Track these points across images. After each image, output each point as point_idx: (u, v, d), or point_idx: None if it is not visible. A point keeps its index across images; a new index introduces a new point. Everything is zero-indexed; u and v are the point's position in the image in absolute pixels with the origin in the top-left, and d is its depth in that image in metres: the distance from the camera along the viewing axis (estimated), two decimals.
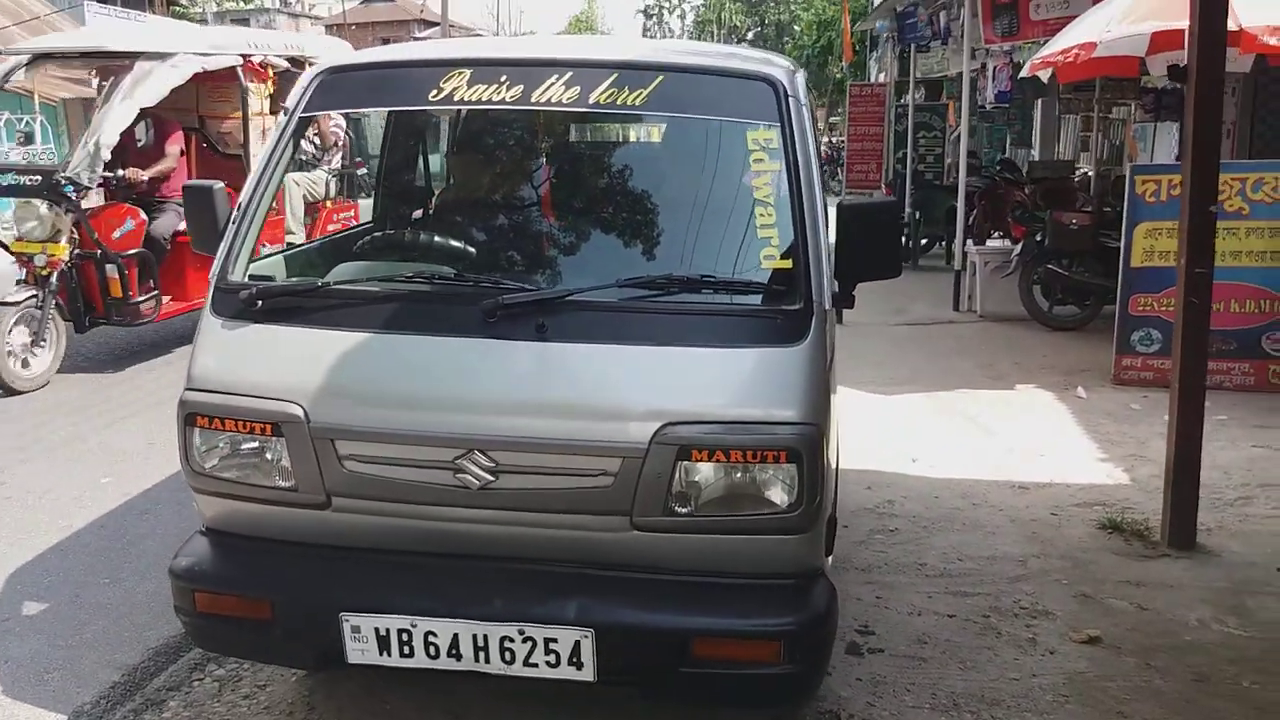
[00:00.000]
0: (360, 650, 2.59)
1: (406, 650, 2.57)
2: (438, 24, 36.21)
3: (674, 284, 2.66)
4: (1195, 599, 3.99)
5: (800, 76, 2.99)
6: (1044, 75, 6.58)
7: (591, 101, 2.82)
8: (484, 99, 2.87)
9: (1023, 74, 7.89)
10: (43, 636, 3.68)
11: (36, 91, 18.93)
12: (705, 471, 2.50)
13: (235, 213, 2.92)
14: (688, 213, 3.04)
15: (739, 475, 2.51)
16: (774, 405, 2.50)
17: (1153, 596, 4.01)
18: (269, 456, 2.67)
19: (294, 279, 3.01)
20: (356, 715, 3.20)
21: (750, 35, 62.74)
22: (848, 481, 5.26)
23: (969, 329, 9.27)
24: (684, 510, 2.50)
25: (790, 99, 2.82)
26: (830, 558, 2.73)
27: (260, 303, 2.74)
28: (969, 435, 6.15)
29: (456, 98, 2.88)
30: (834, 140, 26.14)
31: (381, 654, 2.59)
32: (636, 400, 2.51)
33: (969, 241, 9.96)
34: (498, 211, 3.36)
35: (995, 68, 9.44)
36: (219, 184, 2.99)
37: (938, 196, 12.66)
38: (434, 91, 2.90)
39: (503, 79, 2.87)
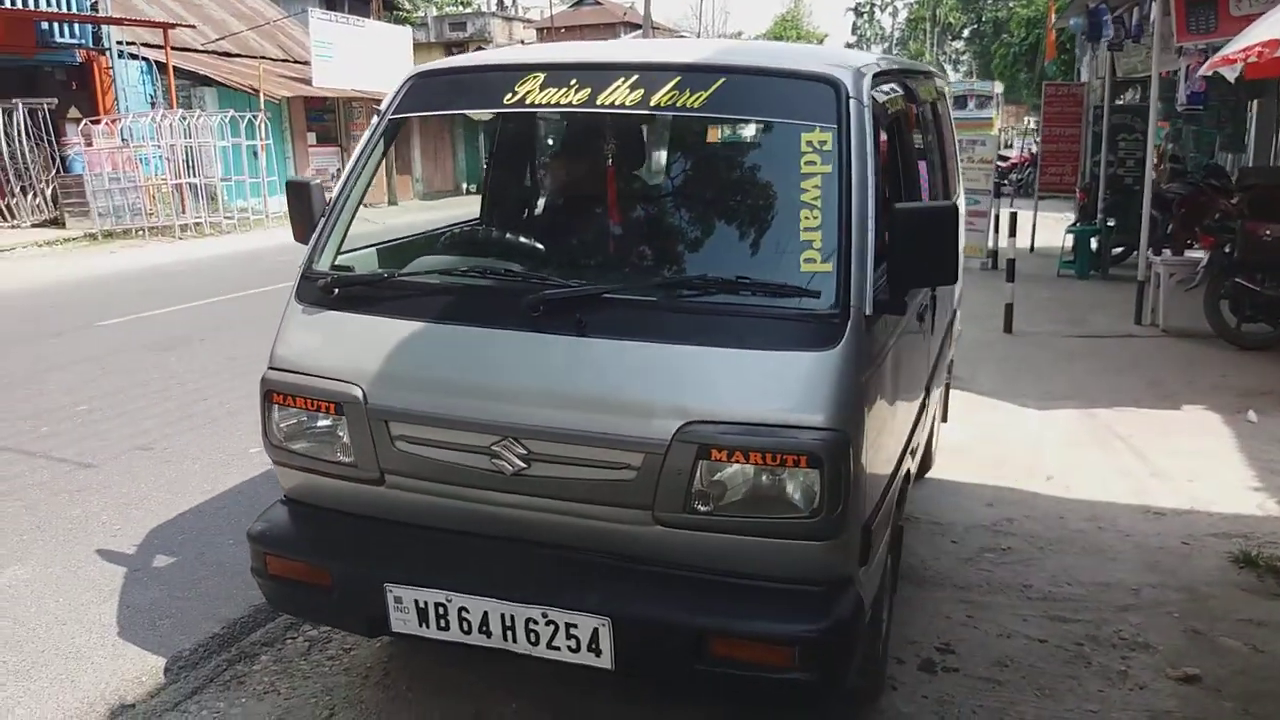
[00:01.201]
0: (402, 620, 2.74)
1: (442, 624, 2.70)
2: (641, 26, 36.83)
3: (708, 284, 2.67)
4: None
5: (867, 80, 2.89)
6: (1229, 74, 6.09)
7: (653, 104, 2.86)
8: (553, 102, 2.96)
9: (1200, 72, 7.32)
10: (164, 588, 4.06)
11: (262, 90, 20.63)
12: (725, 471, 2.50)
13: (327, 208, 3.13)
14: (741, 214, 3.04)
15: (760, 477, 2.50)
16: (798, 409, 2.47)
17: (1273, 639, 3.71)
18: (332, 433, 2.86)
19: (366, 270, 3.17)
20: (426, 684, 3.38)
21: (966, 33, 60.64)
22: (967, 496, 5.13)
23: (1147, 344, 8.70)
24: (705, 509, 2.52)
25: (851, 100, 2.77)
26: (866, 567, 2.67)
27: (336, 291, 2.94)
28: (1116, 455, 5.81)
29: (529, 101, 2.99)
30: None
31: (421, 625, 2.73)
32: (662, 397, 2.54)
33: (1152, 251, 9.32)
34: (570, 211, 3.46)
35: (1189, 67, 8.73)
36: (316, 180, 3.21)
37: (1135, 202, 11.88)
38: (509, 95, 3.02)
39: (573, 82, 2.95)
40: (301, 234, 3.23)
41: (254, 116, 19.34)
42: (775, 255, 2.79)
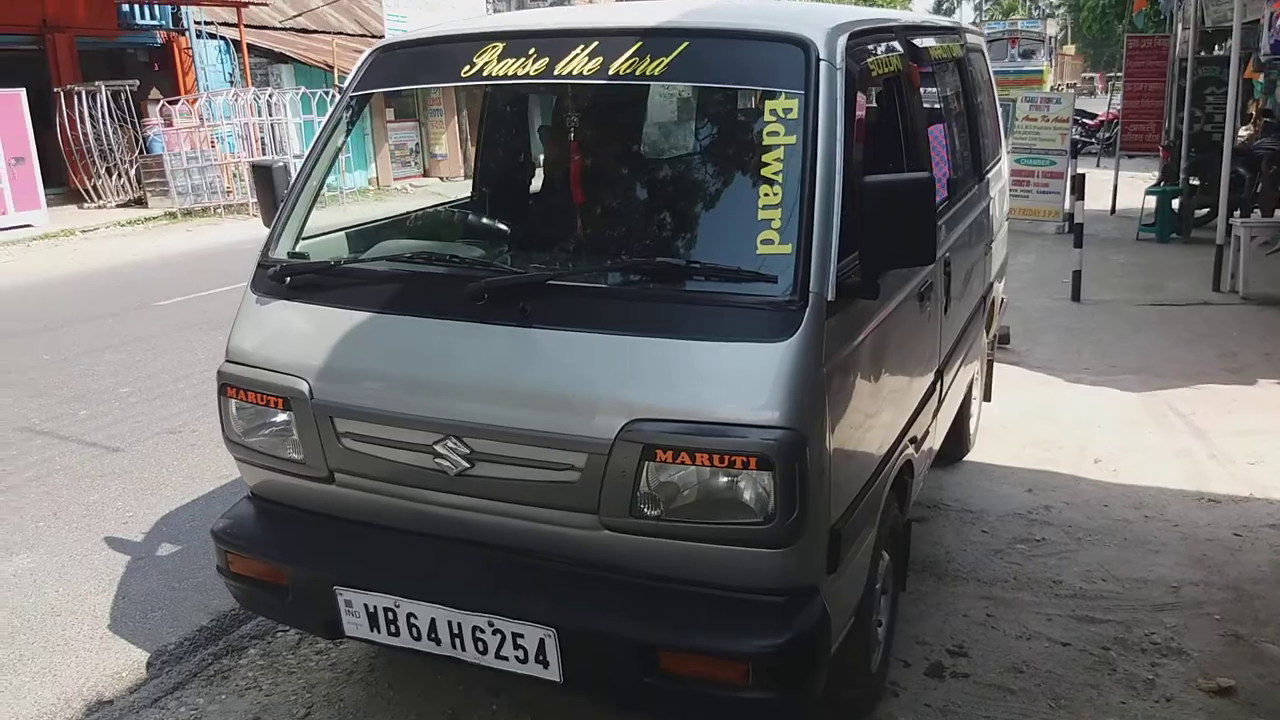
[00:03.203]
0: (354, 624, 2.64)
1: (393, 629, 2.59)
2: None
3: (657, 269, 2.48)
4: None
5: (842, 40, 2.61)
6: None
7: (611, 73, 2.66)
8: (510, 74, 2.78)
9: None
10: (162, 578, 4.04)
11: (336, 66, 20.80)
12: (673, 473, 2.32)
13: (286, 192, 3.02)
14: (705, 190, 2.82)
15: (708, 480, 2.31)
16: (750, 406, 2.27)
17: None
18: (282, 429, 2.76)
19: (314, 258, 3.04)
20: (407, 682, 3.29)
21: None
22: (1005, 482, 4.86)
23: (1224, 312, 8.19)
24: (652, 513, 2.34)
25: (821, 63, 2.51)
26: (836, 575, 2.47)
27: (288, 280, 2.82)
28: (1173, 435, 5.44)
29: (486, 73, 2.82)
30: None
31: (372, 630, 2.62)
32: (606, 393, 2.37)
33: (1236, 213, 8.75)
34: (542, 191, 3.27)
35: (1272, 14, 8.09)
36: (280, 162, 3.10)
37: (1221, 161, 11.21)
38: (467, 67, 2.85)
39: (531, 52, 2.77)
40: (268, 219, 3.12)
41: (327, 93, 19.50)
42: (737, 236, 2.56)
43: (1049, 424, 5.65)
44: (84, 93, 17.08)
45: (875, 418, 2.72)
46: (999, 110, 5.26)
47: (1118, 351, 7.19)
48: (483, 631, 2.47)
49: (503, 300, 2.49)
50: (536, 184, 3.44)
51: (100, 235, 14.98)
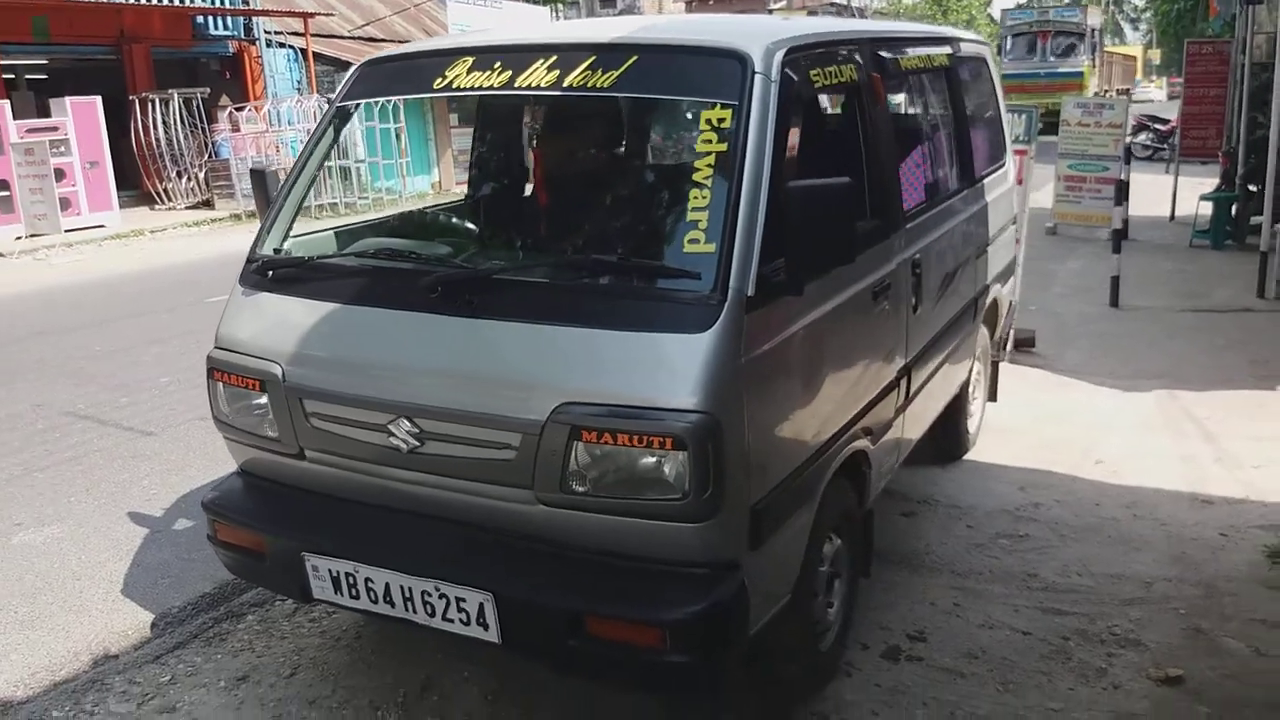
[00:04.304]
0: (320, 588, 2.85)
1: (353, 593, 2.79)
2: None
3: (592, 265, 2.65)
4: None
5: (780, 55, 2.74)
6: None
7: (565, 85, 2.84)
8: (476, 85, 2.98)
9: None
10: (175, 549, 4.30)
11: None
12: (597, 452, 2.48)
13: (275, 194, 3.25)
14: (646, 194, 2.98)
15: (630, 459, 2.47)
16: (668, 391, 2.42)
17: None
18: (260, 409, 2.98)
19: (292, 255, 3.23)
20: (390, 648, 3.49)
21: None
22: (1000, 480, 4.93)
23: (1264, 319, 8.07)
24: (580, 489, 2.51)
25: (757, 75, 2.66)
26: (758, 550, 2.60)
27: (269, 274, 3.06)
28: (1184, 439, 5.43)
29: (455, 85, 3.03)
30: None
31: (336, 593, 2.82)
32: (539, 378, 2.54)
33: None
34: (507, 195, 3.45)
35: None
36: (273, 167, 3.33)
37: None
38: (439, 79, 3.06)
39: (496, 65, 2.97)
40: (262, 218, 3.35)
41: (389, 100, 19.92)
42: (669, 237, 2.73)
43: (1059, 426, 5.67)
44: (157, 100, 17.77)
45: (808, 407, 2.84)
46: (1004, 117, 5.31)
47: (1147, 357, 7.15)
48: (430, 596, 2.66)
49: (453, 293, 2.69)
50: (514, 188, 3.64)
51: (168, 235, 15.58)
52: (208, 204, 18.38)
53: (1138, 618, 3.61)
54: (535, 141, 3.50)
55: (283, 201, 3.26)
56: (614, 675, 2.68)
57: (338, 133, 3.36)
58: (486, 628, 2.61)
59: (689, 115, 2.86)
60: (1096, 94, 20.30)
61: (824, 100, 3.20)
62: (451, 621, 2.66)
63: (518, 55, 2.96)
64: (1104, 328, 8.07)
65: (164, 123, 17.91)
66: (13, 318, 9.46)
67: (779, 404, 2.67)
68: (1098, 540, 4.26)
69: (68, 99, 15.48)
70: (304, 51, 20.73)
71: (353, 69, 3.33)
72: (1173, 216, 13.27)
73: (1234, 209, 11.43)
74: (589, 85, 2.81)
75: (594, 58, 2.83)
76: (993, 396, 5.47)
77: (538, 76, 2.88)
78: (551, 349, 2.57)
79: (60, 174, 14.67)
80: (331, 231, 3.57)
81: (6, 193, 14.32)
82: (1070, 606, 3.71)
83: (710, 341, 2.43)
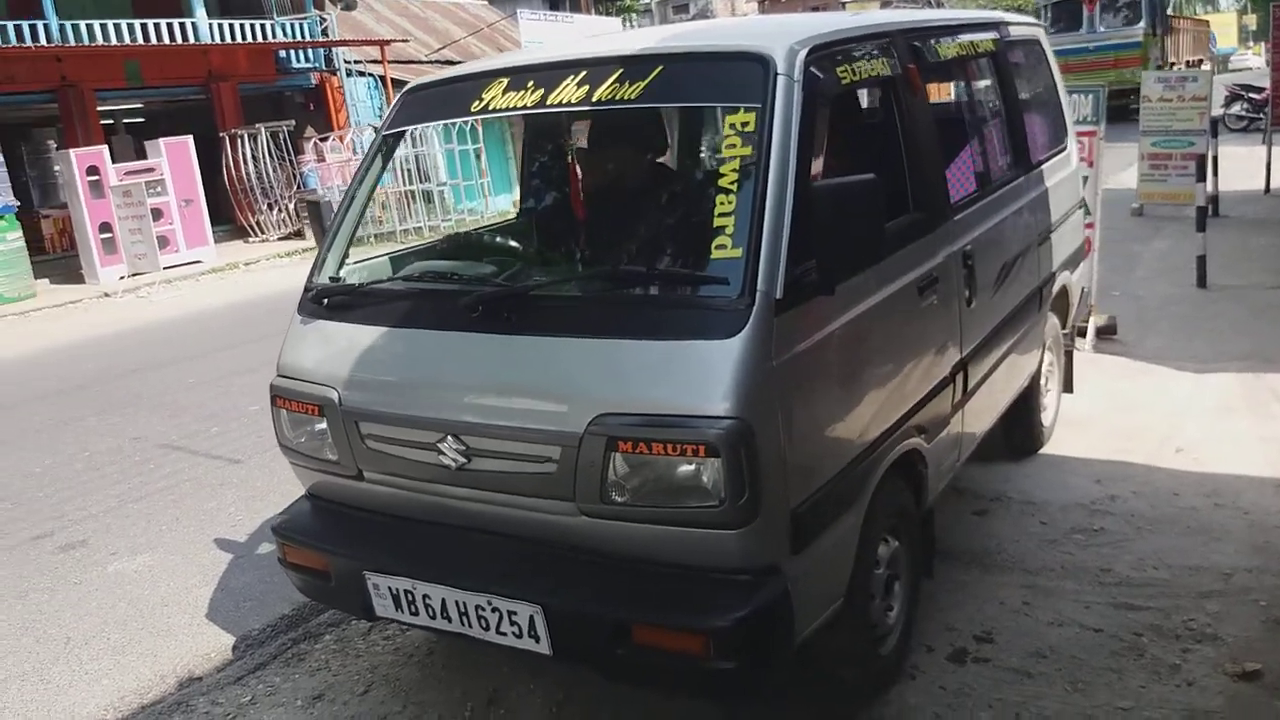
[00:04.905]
0: (383, 605, 2.94)
1: (413, 610, 2.87)
2: None
3: (622, 277, 2.69)
4: None
5: (802, 54, 2.74)
6: None
7: (595, 99, 2.89)
8: (511, 105, 3.05)
9: None
10: (259, 572, 4.47)
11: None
12: (634, 462, 2.52)
13: (329, 225, 3.37)
14: (676, 203, 3.00)
15: (666, 468, 2.50)
16: (700, 399, 2.45)
17: None
18: (320, 433, 3.10)
19: (342, 282, 3.32)
20: (460, 663, 3.58)
21: None
22: (1075, 473, 4.82)
23: None
24: (620, 499, 2.55)
25: (779, 77, 2.68)
26: (802, 555, 2.60)
27: (324, 301, 3.18)
28: (1267, 421, 5.22)
29: (491, 106, 3.10)
30: None
31: (397, 610, 2.91)
32: (576, 391, 2.60)
33: None
34: (549, 212, 3.52)
35: None
36: (325, 197, 3.46)
37: None
38: (476, 102, 3.14)
39: (529, 84, 3.04)
40: (319, 246, 3.48)
41: (467, 122, 20.30)
42: (698, 244, 2.75)
43: (1138, 414, 5.50)
44: (246, 135, 18.43)
45: (850, 407, 2.83)
46: (1065, 99, 5.20)
47: (1232, 339, 6.88)
48: (484, 610, 2.72)
49: (493, 311, 2.76)
50: (556, 205, 3.71)
51: (260, 267, 16.14)
52: (299, 234, 18.94)
53: (1215, 611, 3.50)
54: (571, 157, 3.56)
55: (336, 230, 3.38)
56: (663, 682, 2.71)
57: (385, 161, 3.46)
58: (538, 640, 2.66)
59: (706, 120, 2.89)
60: (1162, 66, 19.25)
61: (857, 96, 3.19)
62: (505, 635, 2.72)
63: (549, 73, 3.03)
64: (1188, 310, 7.80)
65: (253, 157, 18.57)
66: (114, 355, 9.93)
67: (817, 406, 2.68)
68: (1176, 531, 4.13)
69: (161, 140, 16.17)
70: (383, 79, 21.24)
71: (397, 97, 3.43)
72: (1267, 189, 12.75)
73: None
74: (617, 98, 2.86)
75: (621, 70, 2.88)
76: (1068, 387, 5.34)
77: (568, 93, 2.94)
78: (586, 361, 2.62)
79: (158, 213, 15.31)
80: (387, 257, 3.68)
81: (109, 234, 15.01)
82: (1144, 601, 3.62)
83: (739, 346, 2.45)
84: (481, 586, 2.72)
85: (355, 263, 3.45)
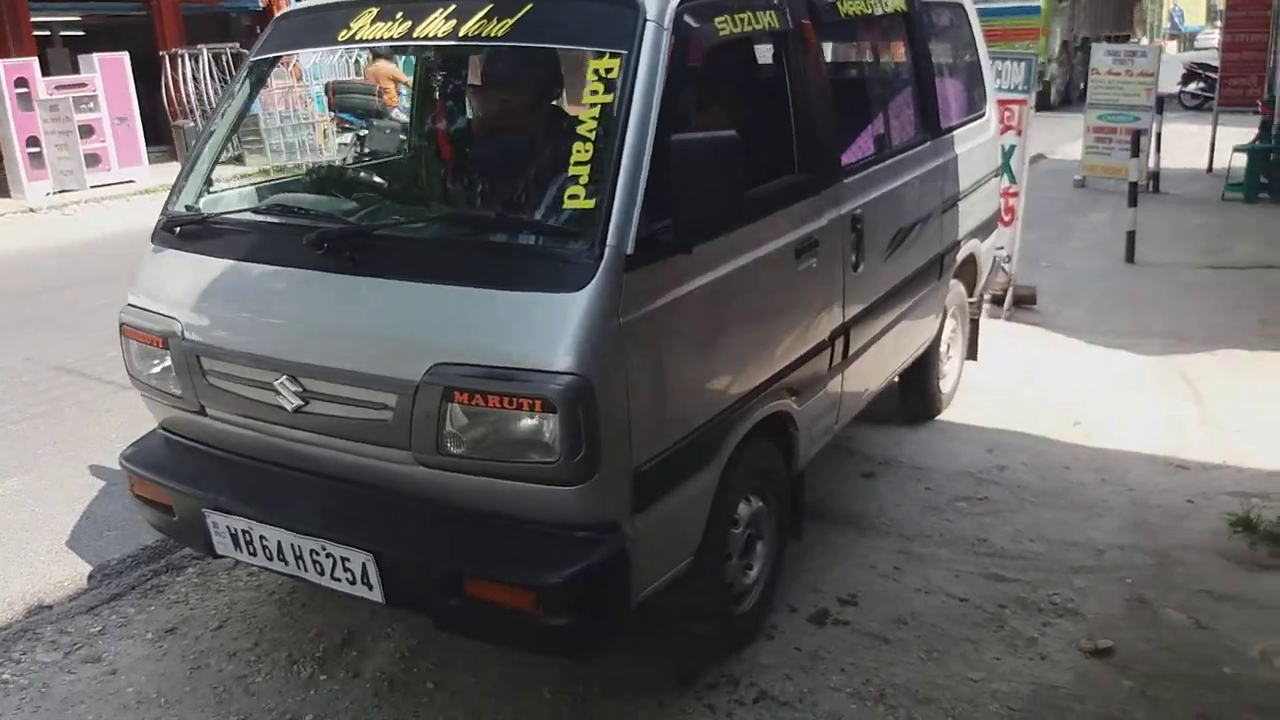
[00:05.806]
0: (221, 544, 2.85)
1: (250, 550, 2.78)
2: None
3: (471, 222, 2.58)
4: None
5: (674, 1, 2.61)
6: None
7: (461, 34, 2.75)
8: (377, 36, 2.91)
9: None
10: (126, 502, 4.10)
11: None
12: (471, 414, 2.42)
13: (189, 151, 3.22)
14: (535, 148, 2.89)
15: (503, 421, 2.41)
16: (540, 352, 2.35)
17: (1225, 615, 3.29)
18: (165, 366, 2.98)
19: (196, 211, 3.17)
20: (319, 604, 3.49)
21: None
22: (968, 442, 4.81)
23: None
24: (456, 451, 2.46)
25: (649, 23, 2.55)
26: (645, 513, 2.53)
27: (176, 230, 3.04)
28: (1172, 401, 5.25)
29: (357, 36, 2.96)
30: None
31: (236, 550, 2.82)
32: (414, 338, 2.50)
33: None
34: (421, 150, 3.39)
35: None
36: (190, 124, 3.31)
37: None
38: (344, 31, 2.99)
39: (398, 15, 2.89)
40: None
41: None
42: (552, 192, 2.65)
43: (1041, 387, 5.50)
44: (187, 56, 17.83)
45: (706, 368, 2.75)
46: (987, 65, 5.11)
47: (1153, 315, 6.93)
48: (318, 554, 2.64)
49: (337, 250, 2.64)
50: (425, 144, 3.57)
51: None
52: (238, 159, 18.47)
53: (1081, 586, 3.50)
54: (439, 95, 3.42)
55: (196, 157, 3.23)
56: (498, 636, 2.65)
57: (255, 88, 3.31)
58: (370, 587, 2.59)
59: (571, 64, 2.77)
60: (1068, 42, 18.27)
61: (740, 50, 3.07)
62: (339, 580, 2.64)
63: (419, 5, 2.88)
64: (1112, 284, 7.84)
65: (194, 78, 17.97)
66: (30, 272, 9.61)
67: (668, 365, 2.59)
68: (1059, 505, 4.14)
69: (95, 55, 15.58)
70: None
71: (270, 23, 3.27)
72: (1210, 168, 12.82)
73: (1271, 159, 11.01)
74: (482, 34, 2.72)
75: (490, 6, 2.74)
76: (972, 355, 5.32)
77: (435, 26, 2.79)
78: (428, 308, 2.51)
79: (89, 130, 14.79)
80: (253, 187, 3.53)
81: (37, 149, 14.51)
82: (1014, 574, 3.61)
83: (585, 301, 2.35)
84: (316, 531, 2.64)
85: (217, 191, 3.30)
